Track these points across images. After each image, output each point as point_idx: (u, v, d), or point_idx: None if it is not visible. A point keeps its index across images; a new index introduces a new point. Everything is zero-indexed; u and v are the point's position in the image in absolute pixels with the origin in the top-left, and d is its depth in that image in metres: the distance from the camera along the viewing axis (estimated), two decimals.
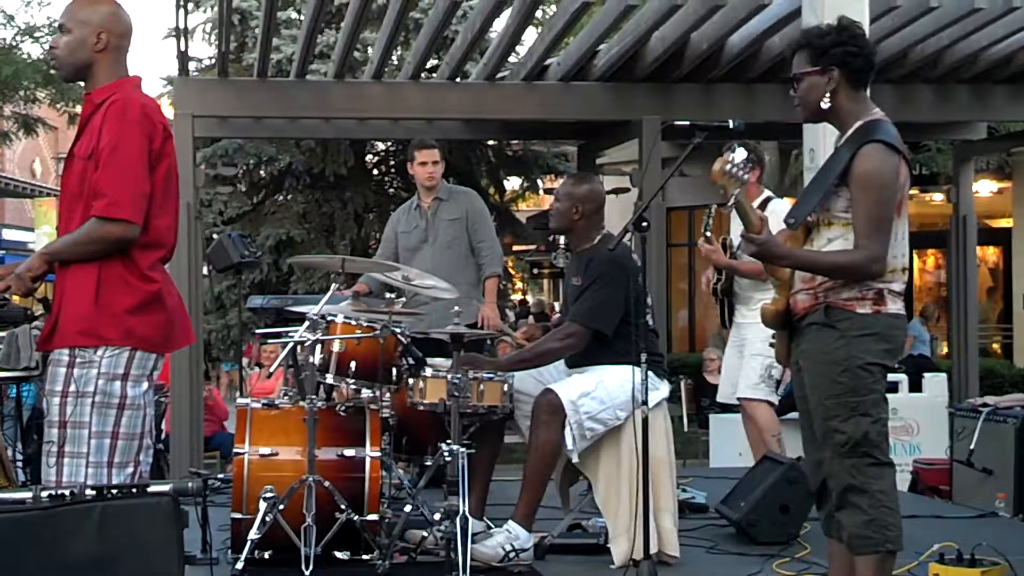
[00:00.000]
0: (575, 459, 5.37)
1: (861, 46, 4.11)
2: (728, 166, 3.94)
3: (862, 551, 3.97)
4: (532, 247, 23.38)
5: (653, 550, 4.92)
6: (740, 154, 3.98)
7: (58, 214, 4.01)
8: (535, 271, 26.58)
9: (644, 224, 4.82)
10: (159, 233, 3.89)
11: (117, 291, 3.79)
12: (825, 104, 4.08)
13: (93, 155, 3.79)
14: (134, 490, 3.44)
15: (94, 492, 3.39)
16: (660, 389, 5.42)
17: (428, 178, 7.34)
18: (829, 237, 4.05)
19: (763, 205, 6.63)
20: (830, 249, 4.04)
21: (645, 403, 4.81)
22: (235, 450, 5.32)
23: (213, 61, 15.94)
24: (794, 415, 7.71)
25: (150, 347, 3.85)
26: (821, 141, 7.65)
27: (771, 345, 4.33)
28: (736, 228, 6.79)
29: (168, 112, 18.10)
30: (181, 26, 9.65)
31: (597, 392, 5.34)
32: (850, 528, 3.98)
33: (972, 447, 7.19)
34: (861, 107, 4.11)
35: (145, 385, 3.87)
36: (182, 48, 10.05)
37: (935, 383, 9.38)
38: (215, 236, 11.44)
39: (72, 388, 3.76)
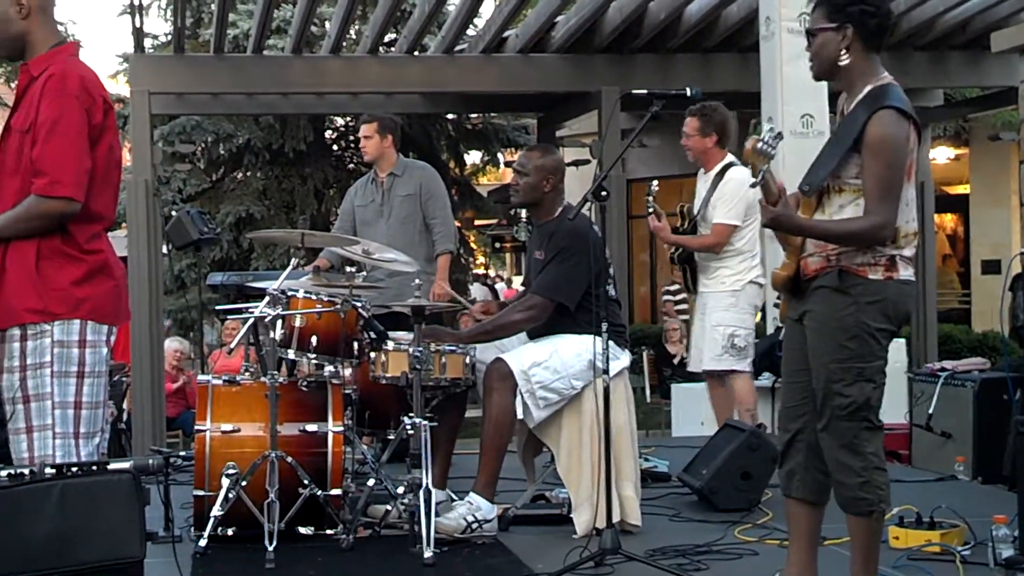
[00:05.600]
0: (531, 425, 5.37)
1: (878, 6, 4.06)
2: (760, 144, 3.92)
3: (857, 512, 4.02)
4: (494, 221, 23.32)
5: (615, 519, 4.94)
6: (768, 131, 3.99)
7: None
8: (497, 245, 26.52)
9: (604, 193, 4.79)
10: (100, 207, 3.81)
11: (59, 265, 3.72)
12: (844, 61, 4.03)
13: (31, 129, 3.70)
14: (94, 468, 3.41)
15: (54, 470, 3.37)
16: (621, 359, 5.42)
17: (363, 152, 7.39)
18: (840, 204, 4.03)
19: (723, 171, 6.62)
20: (841, 216, 4.02)
21: (606, 372, 4.82)
22: (196, 427, 5.30)
23: (169, 37, 15.81)
24: (764, 381, 7.70)
25: (100, 318, 3.78)
26: (779, 109, 7.70)
27: (776, 305, 4.29)
28: (700, 197, 6.78)
29: (114, 86, 17.77)
30: (136, 2, 9.60)
31: (551, 362, 5.34)
32: (844, 490, 4.02)
33: (931, 411, 7.24)
34: (871, 69, 4.06)
35: (105, 350, 3.80)
36: (137, 25, 10.01)
37: (894, 348, 9.38)
38: (174, 213, 11.37)
39: (30, 361, 3.70)
